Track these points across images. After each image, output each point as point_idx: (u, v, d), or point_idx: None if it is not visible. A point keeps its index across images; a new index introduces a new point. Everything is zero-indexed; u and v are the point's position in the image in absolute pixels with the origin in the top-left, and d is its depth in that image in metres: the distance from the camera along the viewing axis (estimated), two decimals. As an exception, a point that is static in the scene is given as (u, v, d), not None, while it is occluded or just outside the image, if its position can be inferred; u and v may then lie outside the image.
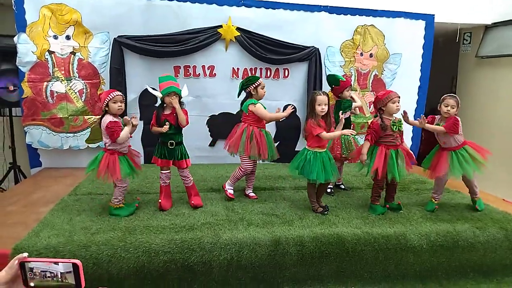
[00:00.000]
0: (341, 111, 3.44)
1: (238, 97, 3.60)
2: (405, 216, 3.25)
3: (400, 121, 3.28)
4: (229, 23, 4.61)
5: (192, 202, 3.30)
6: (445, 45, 6.25)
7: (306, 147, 3.25)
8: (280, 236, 2.79)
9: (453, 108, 3.29)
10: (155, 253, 2.57)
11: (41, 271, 1.07)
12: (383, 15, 5.05)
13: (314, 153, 3.16)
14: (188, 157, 3.31)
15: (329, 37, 4.95)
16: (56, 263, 1.06)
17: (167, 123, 3.13)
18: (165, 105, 3.18)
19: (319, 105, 3.13)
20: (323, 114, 3.16)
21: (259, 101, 3.49)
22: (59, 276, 1.06)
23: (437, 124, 3.37)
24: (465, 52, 6.01)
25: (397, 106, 3.21)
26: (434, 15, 5.18)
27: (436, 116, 3.47)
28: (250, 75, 4.77)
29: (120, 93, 3.03)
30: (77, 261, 1.06)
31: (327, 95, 3.17)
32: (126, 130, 2.99)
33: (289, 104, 4.95)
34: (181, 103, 3.18)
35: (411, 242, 2.89)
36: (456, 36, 5.69)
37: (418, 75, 5.34)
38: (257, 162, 3.64)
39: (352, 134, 3.31)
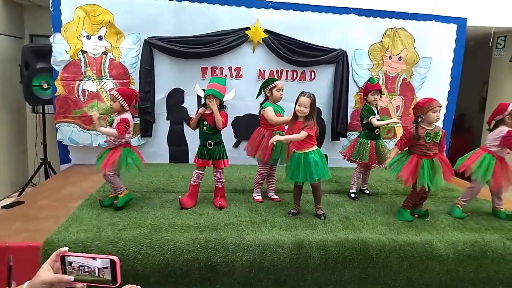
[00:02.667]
0: None
1: (256, 98, 3.62)
2: (432, 224, 3.18)
3: (438, 133, 3.15)
4: (257, 25, 4.63)
5: (220, 203, 3.34)
6: (476, 49, 6.08)
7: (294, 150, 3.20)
8: (303, 239, 2.78)
9: None
10: (180, 251, 2.61)
11: (79, 265, 1.11)
12: (414, 18, 4.97)
13: (293, 154, 3.16)
14: (227, 158, 3.36)
15: (358, 40, 4.91)
16: (94, 258, 1.10)
17: (205, 122, 3.20)
18: (206, 104, 3.21)
19: (298, 105, 3.06)
20: (301, 115, 3.06)
21: (277, 103, 3.49)
22: (96, 271, 1.10)
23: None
24: (498, 56, 5.83)
25: (437, 116, 3.12)
26: (466, 18, 5.05)
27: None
28: (275, 77, 4.78)
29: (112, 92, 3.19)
30: (115, 258, 1.10)
31: (311, 98, 3.06)
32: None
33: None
34: (223, 106, 3.24)
35: (438, 251, 2.82)
36: (490, 40, 5.53)
37: (448, 80, 5.22)
38: (277, 165, 3.62)
39: (275, 143, 3.10)
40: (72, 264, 1.11)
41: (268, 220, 3.10)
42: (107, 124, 3.21)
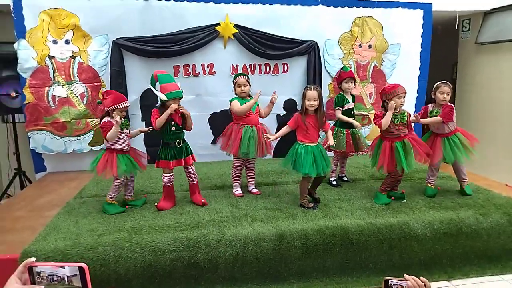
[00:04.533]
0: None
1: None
2: (408, 205, 3.27)
3: (404, 113, 3.26)
4: (227, 20, 4.62)
5: (202, 200, 3.34)
6: (444, 33, 6.22)
7: (297, 141, 3.23)
8: (284, 230, 2.81)
9: (448, 95, 3.36)
10: (161, 252, 2.60)
11: (48, 275, 1.09)
12: (381, 6, 5.04)
13: (305, 147, 3.14)
14: (193, 153, 3.36)
15: (327, 30, 4.95)
16: (62, 267, 1.09)
17: (173, 122, 3.16)
18: (165, 105, 3.16)
19: (307, 100, 3.11)
20: (311, 109, 3.12)
21: (248, 98, 3.48)
22: (66, 279, 1.09)
23: (432, 112, 3.43)
24: (464, 39, 5.98)
25: (402, 101, 3.21)
26: (431, 3, 5.15)
27: (429, 105, 3.49)
28: (248, 72, 4.79)
29: (128, 105, 3.18)
30: (83, 265, 1.09)
31: (318, 89, 3.12)
32: (113, 130, 3.04)
33: (289, 99, 5.03)
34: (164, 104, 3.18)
35: (415, 231, 2.91)
36: (455, 23, 5.66)
37: (418, 65, 5.33)
38: (255, 158, 3.62)
39: (269, 138, 3.23)
40: (41, 274, 1.10)
41: (249, 214, 3.11)
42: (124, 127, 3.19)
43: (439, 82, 3.43)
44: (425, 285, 1.39)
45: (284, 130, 3.24)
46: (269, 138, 3.22)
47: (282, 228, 2.83)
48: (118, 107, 3.08)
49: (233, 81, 3.52)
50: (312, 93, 3.09)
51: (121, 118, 3.08)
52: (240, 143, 3.36)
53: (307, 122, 3.14)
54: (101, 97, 4.47)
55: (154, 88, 3.19)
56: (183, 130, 3.29)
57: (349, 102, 3.83)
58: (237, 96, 3.49)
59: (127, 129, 3.25)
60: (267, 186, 3.88)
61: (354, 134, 3.82)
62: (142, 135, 4.72)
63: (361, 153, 3.94)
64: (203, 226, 2.88)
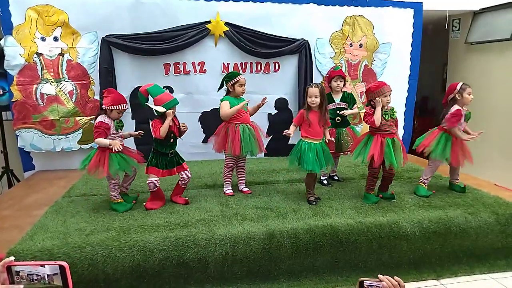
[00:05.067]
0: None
1: (218, 91, 3.59)
2: (398, 205, 3.28)
3: (393, 109, 3.29)
4: (218, 18, 4.60)
5: (186, 198, 3.35)
6: (434, 32, 6.26)
7: (301, 137, 3.29)
8: (274, 229, 2.80)
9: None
10: (150, 251, 2.58)
11: (27, 274, 1.07)
12: (371, 5, 5.05)
13: (309, 144, 3.22)
14: (184, 161, 3.35)
15: (318, 29, 4.95)
16: (42, 265, 1.07)
17: (172, 134, 3.15)
18: (163, 116, 3.09)
19: (309, 97, 3.19)
20: (313, 105, 3.20)
21: (240, 97, 3.45)
22: (46, 278, 1.07)
23: (466, 116, 3.48)
24: (454, 38, 6.03)
25: (388, 99, 3.23)
26: (422, 3, 5.18)
27: (459, 109, 3.41)
28: (240, 70, 4.77)
29: (126, 107, 3.14)
30: (64, 263, 1.07)
31: (319, 87, 3.19)
32: (104, 144, 3.03)
33: (281, 98, 5.03)
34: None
35: (404, 230, 2.92)
36: (445, 23, 5.70)
37: (408, 64, 5.35)
38: (245, 157, 3.62)
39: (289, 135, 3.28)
40: (20, 274, 1.08)
41: (239, 213, 3.10)
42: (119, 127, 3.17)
43: (463, 84, 3.42)
44: (399, 285, 1.39)
45: (293, 127, 3.30)
46: (290, 134, 3.27)
47: (272, 227, 2.82)
48: (117, 108, 3.05)
49: (231, 80, 3.41)
50: (313, 90, 3.18)
51: (116, 119, 3.11)
52: (241, 142, 3.35)
53: (311, 118, 3.20)
54: (90, 95, 4.45)
55: (143, 104, 3.14)
56: (177, 142, 3.28)
57: (334, 102, 3.83)
58: (228, 95, 3.45)
59: (121, 130, 3.22)
60: (258, 185, 3.87)
61: (340, 133, 3.82)
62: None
63: (344, 153, 3.97)
64: (192, 225, 2.86)
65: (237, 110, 3.34)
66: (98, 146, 3.11)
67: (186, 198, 3.35)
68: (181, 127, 3.25)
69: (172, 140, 3.18)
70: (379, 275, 1.43)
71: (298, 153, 3.25)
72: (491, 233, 3.06)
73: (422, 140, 3.51)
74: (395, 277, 1.42)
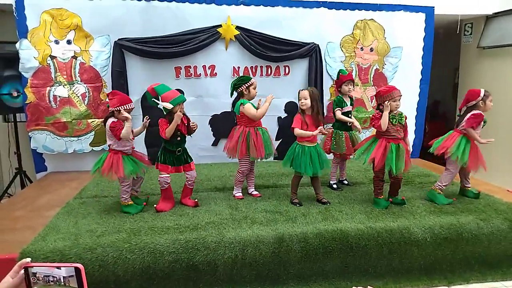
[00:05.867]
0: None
1: (231, 96, 3.60)
2: (409, 210, 3.25)
3: (401, 114, 3.27)
4: (229, 22, 4.62)
5: (196, 200, 3.37)
6: (446, 37, 6.21)
7: (296, 141, 3.35)
8: (283, 233, 2.80)
9: None
10: (160, 253, 2.59)
11: (44, 275, 1.08)
12: (383, 9, 5.04)
13: (302, 147, 3.28)
14: (192, 160, 3.37)
15: (329, 33, 4.95)
16: (58, 267, 1.08)
17: (178, 132, 3.18)
18: (171, 113, 3.14)
19: (299, 100, 3.29)
20: (303, 107, 3.27)
21: (250, 101, 3.46)
22: (62, 280, 1.08)
23: (485, 121, 3.42)
24: (466, 43, 5.97)
25: (397, 104, 3.21)
26: (434, 7, 5.15)
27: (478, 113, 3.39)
28: (250, 73, 4.79)
29: (133, 106, 3.17)
30: (79, 265, 1.07)
31: (309, 90, 3.29)
32: (126, 126, 3.06)
33: (291, 101, 5.02)
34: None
35: (415, 236, 2.89)
36: (457, 27, 5.66)
37: (420, 68, 5.32)
38: (256, 160, 3.64)
39: (322, 133, 3.32)
40: (37, 275, 1.08)
41: (249, 216, 3.10)
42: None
43: (485, 91, 3.37)
44: None
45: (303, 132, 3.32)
46: (324, 133, 3.42)
47: (281, 231, 2.81)
48: (125, 108, 3.08)
49: (246, 82, 3.43)
50: (302, 92, 3.29)
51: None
52: (264, 145, 3.41)
53: (306, 121, 3.28)
54: (102, 97, 4.49)
55: (151, 103, 3.17)
56: (185, 140, 3.30)
57: (347, 105, 3.83)
58: (245, 99, 3.45)
59: None
60: (267, 189, 3.87)
61: (352, 137, 3.81)
62: (143, 136, 4.74)
63: (336, 154, 3.93)
64: (202, 228, 2.87)
65: (266, 109, 3.40)
66: (109, 148, 3.15)
67: (196, 200, 3.36)
68: (190, 125, 3.26)
69: (179, 138, 3.21)
70: (368, 286, 1.42)
71: (291, 156, 3.32)
72: (504, 240, 3.01)
73: (440, 142, 3.43)
74: None
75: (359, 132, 3.82)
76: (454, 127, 3.50)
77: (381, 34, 5.08)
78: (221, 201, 3.48)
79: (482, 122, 3.37)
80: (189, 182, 3.37)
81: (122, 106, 3.07)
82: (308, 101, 3.24)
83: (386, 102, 3.15)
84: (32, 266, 1.09)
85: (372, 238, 2.83)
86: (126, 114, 3.05)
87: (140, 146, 4.76)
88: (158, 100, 3.12)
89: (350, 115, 3.86)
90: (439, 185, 3.49)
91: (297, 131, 3.26)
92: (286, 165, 3.40)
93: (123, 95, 3.24)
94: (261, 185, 3.93)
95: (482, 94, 3.35)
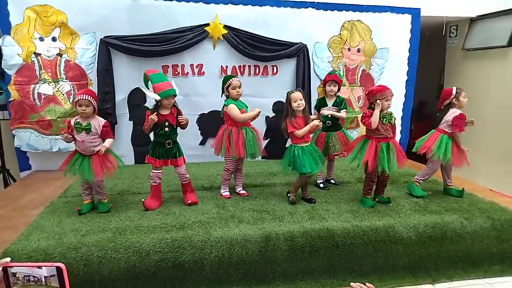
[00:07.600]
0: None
1: (221, 96, 3.58)
2: (394, 209, 3.28)
3: (391, 114, 3.30)
4: (216, 21, 4.61)
5: (189, 201, 3.34)
6: (432, 38, 6.30)
7: (292, 143, 3.34)
8: (270, 232, 2.80)
9: None
10: (146, 253, 2.57)
11: (24, 276, 1.06)
12: (370, 10, 5.09)
13: (302, 148, 3.27)
14: (183, 154, 3.35)
15: (317, 33, 4.98)
16: (39, 267, 1.06)
17: (167, 123, 3.14)
18: (159, 105, 3.14)
19: (294, 101, 3.26)
20: (300, 109, 3.27)
21: (239, 100, 3.47)
22: (43, 280, 1.06)
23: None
24: (452, 45, 6.07)
25: (389, 104, 3.25)
26: (420, 8, 5.22)
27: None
28: (237, 73, 4.78)
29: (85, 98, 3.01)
30: (61, 265, 1.06)
31: (301, 91, 3.31)
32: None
33: (279, 101, 5.03)
34: (158, 105, 3.16)
35: (400, 234, 2.92)
36: (443, 29, 5.74)
37: (406, 69, 5.39)
38: (243, 160, 3.63)
39: (319, 125, 3.33)
40: (17, 275, 1.06)
41: (236, 215, 3.10)
42: (83, 130, 3.00)
43: (457, 88, 3.53)
44: None
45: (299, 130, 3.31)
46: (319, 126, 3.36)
47: (268, 230, 2.82)
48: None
49: (224, 84, 3.45)
50: (296, 94, 3.27)
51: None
52: (245, 145, 3.37)
53: (298, 124, 3.26)
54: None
55: (147, 87, 3.14)
56: (176, 132, 3.27)
57: (326, 106, 3.83)
58: (230, 99, 3.44)
59: (86, 133, 3.01)
60: (255, 188, 3.87)
61: (329, 137, 3.80)
62: (129, 134, 4.71)
63: (331, 157, 3.94)
64: (189, 227, 2.85)
65: (250, 117, 3.37)
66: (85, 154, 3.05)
67: (190, 201, 3.34)
68: (178, 119, 3.20)
69: (167, 128, 3.16)
70: (351, 283, 1.44)
71: (292, 158, 3.29)
72: (487, 238, 3.06)
73: (422, 142, 3.56)
74: (367, 283, 1.42)
75: (343, 120, 3.87)
76: (436, 127, 3.58)
77: (368, 35, 5.12)
78: (208, 200, 3.46)
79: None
80: (182, 179, 3.35)
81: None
82: (304, 102, 3.26)
83: (378, 101, 3.18)
84: (12, 266, 1.07)
85: (358, 236, 2.85)
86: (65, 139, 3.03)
87: (126, 145, 4.73)
88: (148, 87, 3.08)
89: (329, 116, 3.80)
90: (417, 178, 3.68)
91: (298, 132, 3.24)
92: (286, 170, 3.35)
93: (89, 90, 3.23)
94: (249, 184, 3.92)
95: (454, 91, 3.52)
